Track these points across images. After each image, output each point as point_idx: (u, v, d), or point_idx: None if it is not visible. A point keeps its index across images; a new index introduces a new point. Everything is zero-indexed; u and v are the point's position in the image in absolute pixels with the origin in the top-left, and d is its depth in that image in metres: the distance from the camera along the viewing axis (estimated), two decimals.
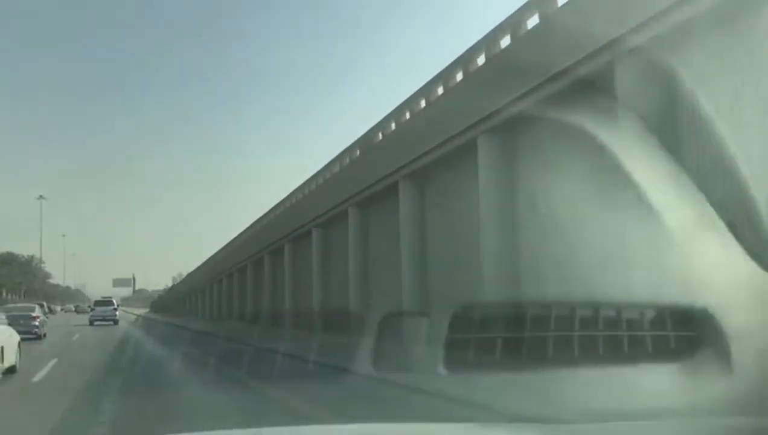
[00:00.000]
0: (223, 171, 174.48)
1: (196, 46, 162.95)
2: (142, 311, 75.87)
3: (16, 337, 12.98)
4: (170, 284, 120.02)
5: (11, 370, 11.94)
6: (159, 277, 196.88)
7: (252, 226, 37.55)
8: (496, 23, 13.94)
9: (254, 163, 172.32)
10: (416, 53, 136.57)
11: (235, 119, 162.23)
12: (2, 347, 11.11)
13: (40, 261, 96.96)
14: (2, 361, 11.00)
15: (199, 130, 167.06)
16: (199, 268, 56.81)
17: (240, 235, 40.05)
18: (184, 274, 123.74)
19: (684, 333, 8.12)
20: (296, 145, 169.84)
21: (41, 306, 29.92)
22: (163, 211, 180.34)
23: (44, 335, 24.51)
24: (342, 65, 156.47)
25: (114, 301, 43.77)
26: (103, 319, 38.02)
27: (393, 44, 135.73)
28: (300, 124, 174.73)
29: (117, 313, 40.74)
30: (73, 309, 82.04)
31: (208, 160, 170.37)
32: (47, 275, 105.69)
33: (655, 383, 6.86)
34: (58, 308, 79.39)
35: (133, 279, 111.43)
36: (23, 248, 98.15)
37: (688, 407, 5.25)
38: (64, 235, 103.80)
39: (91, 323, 37.38)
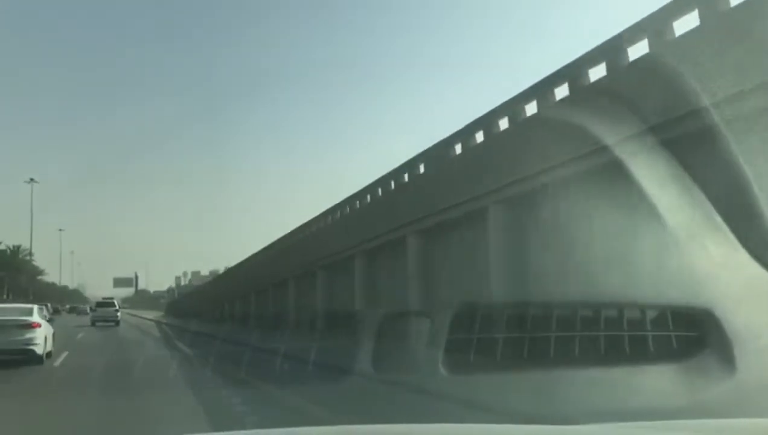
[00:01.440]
0: (236, 169, 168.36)
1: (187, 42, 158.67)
2: (154, 315, 63.30)
3: (52, 330, 17.25)
4: (174, 285, 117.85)
5: (49, 355, 15.86)
6: (162, 277, 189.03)
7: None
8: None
9: (270, 164, 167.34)
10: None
11: (248, 117, 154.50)
12: (46, 336, 15.53)
13: (29, 253, 77.95)
14: (46, 346, 15.48)
15: (210, 126, 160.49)
16: (234, 268, 51.05)
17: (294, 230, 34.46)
18: (190, 273, 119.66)
19: (687, 333, 8.20)
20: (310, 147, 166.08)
21: (46, 307, 31.01)
22: (168, 207, 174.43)
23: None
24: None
25: (115, 303, 47.45)
26: (105, 320, 41.70)
27: None
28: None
29: (118, 314, 44.51)
30: (68, 309, 75.44)
31: (220, 157, 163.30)
32: (38, 271, 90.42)
33: (658, 383, 6.94)
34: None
35: (136, 278, 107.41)
36: (15, 243, 79.36)
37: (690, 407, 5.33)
38: (61, 230, 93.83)
39: (93, 323, 40.73)
